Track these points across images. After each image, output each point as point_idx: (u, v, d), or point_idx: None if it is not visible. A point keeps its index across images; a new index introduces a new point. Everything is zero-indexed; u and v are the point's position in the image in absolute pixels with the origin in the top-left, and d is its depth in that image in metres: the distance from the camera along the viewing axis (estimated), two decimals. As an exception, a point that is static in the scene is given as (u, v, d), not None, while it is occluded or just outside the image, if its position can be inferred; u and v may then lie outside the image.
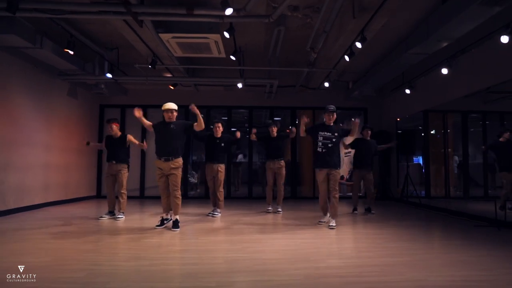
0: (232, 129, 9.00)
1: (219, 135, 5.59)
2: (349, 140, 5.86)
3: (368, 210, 6.04)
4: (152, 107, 8.81)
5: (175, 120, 4.50)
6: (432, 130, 7.87)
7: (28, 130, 6.05)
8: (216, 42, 5.27)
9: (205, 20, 4.65)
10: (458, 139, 7.36)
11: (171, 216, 4.56)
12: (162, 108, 4.47)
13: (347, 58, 5.86)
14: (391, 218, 5.71)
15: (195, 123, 4.43)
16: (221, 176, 5.53)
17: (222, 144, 5.58)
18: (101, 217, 5.17)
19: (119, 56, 6.92)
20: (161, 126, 4.50)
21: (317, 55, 6.41)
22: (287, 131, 6.26)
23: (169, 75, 7.41)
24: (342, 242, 4.07)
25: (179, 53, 5.73)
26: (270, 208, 6.13)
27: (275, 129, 6.05)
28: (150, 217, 5.51)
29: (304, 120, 4.87)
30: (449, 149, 7.53)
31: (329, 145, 4.65)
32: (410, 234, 4.32)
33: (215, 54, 5.79)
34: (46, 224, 4.70)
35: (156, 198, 8.11)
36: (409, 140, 7.62)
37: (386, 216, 5.84)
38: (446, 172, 7.53)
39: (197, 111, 4.26)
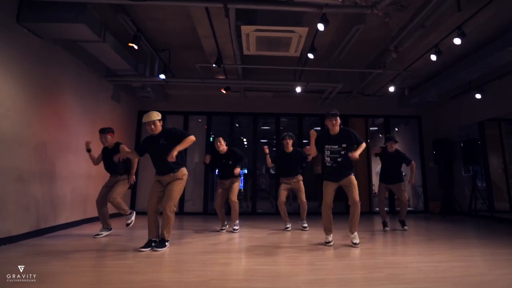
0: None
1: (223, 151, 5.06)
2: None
3: (402, 223, 5.33)
4: (193, 114, 8.26)
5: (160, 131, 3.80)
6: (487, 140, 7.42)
7: (75, 135, 5.38)
8: (300, 37, 4.71)
9: (301, 9, 4.10)
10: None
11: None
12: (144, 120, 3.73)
13: (433, 57, 5.35)
14: (489, 237, 5.06)
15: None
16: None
17: (230, 162, 5.04)
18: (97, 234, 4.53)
19: (170, 58, 6.36)
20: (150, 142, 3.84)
21: (389, 56, 5.89)
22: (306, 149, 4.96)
23: (222, 77, 6.82)
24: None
25: (252, 50, 5.14)
26: (288, 226, 5.29)
27: (290, 142, 5.22)
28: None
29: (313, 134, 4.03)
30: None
31: (338, 159, 3.88)
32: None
33: (291, 52, 5.22)
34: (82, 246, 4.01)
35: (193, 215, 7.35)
36: (472, 149, 7.38)
37: (478, 235, 5.20)
38: (508, 184, 7.11)
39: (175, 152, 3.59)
